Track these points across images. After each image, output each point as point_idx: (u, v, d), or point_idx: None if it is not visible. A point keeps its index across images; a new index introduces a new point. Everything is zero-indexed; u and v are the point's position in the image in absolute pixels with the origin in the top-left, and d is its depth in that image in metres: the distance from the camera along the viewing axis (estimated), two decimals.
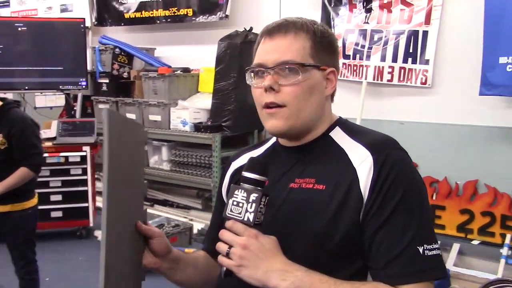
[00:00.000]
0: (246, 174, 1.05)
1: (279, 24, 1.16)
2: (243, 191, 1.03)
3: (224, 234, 1.04)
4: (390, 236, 1.04)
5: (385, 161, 1.07)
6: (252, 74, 1.17)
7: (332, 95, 1.22)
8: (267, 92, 1.12)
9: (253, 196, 1.02)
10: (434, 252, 1.05)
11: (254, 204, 1.02)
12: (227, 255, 1.03)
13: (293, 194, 1.14)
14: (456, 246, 3.53)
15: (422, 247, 1.03)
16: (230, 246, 1.02)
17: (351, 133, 1.18)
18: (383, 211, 1.05)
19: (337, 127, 1.20)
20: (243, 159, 1.31)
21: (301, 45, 1.13)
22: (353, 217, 1.06)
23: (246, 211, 1.02)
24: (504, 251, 3.34)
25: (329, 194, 1.09)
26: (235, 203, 1.03)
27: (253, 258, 1.02)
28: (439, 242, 1.08)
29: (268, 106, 1.13)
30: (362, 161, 1.09)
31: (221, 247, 1.04)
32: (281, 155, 1.22)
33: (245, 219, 1.02)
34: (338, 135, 1.18)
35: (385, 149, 1.10)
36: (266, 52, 1.14)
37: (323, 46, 1.16)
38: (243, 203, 1.02)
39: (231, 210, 1.03)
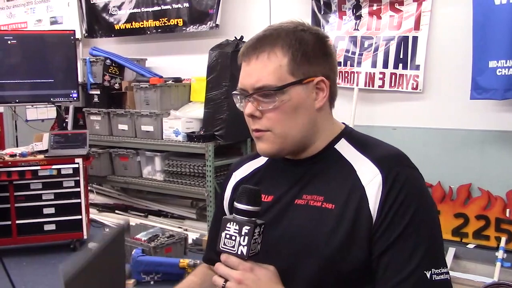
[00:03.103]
0: (238, 205, 1.01)
1: (253, 43, 1.10)
2: (235, 223, 1.00)
3: (219, 268, 1.02)
4: (396, 259, 1.00)
5: (394, 181, 1.03)
6: (239, 97, 1.14)
7: (332, 102, 1.16)
8: (251, 118, 1.10)
9: (245, 229, 0.99)
10: (442, 276, 1.01)
11: (247, 237, 0.98)
12: None
13: (300, 211, 1.10)
14: (451, 250, 3.53)
15: (430, 272, 0.99)
16: (226, 280, 1.00)
17: (358, 145, 1.12)
18: (391, 233, 1.01)
19: (342, 139, 1.14)
20: (244, 170, 1.28)
21: (276, 65, 1.06)
22: (363, 240, 1.03)
23: (239, 244, 0.99)
24: (500, 254, 3.34)
25: (338, 215, 1.05)
26: (227, 236, 1.00)
27: None
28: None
29: (254, 130, 1.11)
30: (370, 180, 1.04)
31: (217, 281, 1.02)
32: (285, 168, 1.17)
33: (239, 252, 0.99)
34: (345, 148, 1.13)
35: (394, 167, 1.05)
36: (244, 77, 1.11)
37: (305, 56, 1.08)
38: (236, 236, 0.99)
39: (224, 244, 1.00)
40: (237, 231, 0.99)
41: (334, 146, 1.14)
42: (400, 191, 1.02)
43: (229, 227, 1.00)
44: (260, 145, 1.11)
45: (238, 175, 1.28)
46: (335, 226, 1.04)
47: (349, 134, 1.16)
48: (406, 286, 0.99)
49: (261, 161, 1.26)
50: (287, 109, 1.07)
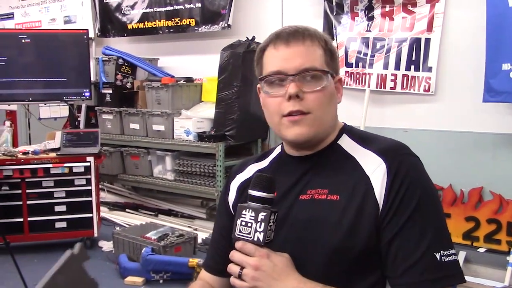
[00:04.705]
0: (253, 192, 1.02)
1: (293, 31, 1.13)
2: (250, 210, 1.00)
3: (234, 255, 1.02)
4: (406, 243, 1.03)
5: (398, 168, 1.06)
6: (265, 83, 1.13)
7: None
8: (290, 100, 1.09)
9: (262, 215, 0.99)
10: (451, 258, 1.04)
11: (263, 223, 0.99)
12: (240, 276, 1.00)
13: (305, 206, 1.11)
14: (462, 254, 3.51)
15: (439, 253, 1.02)
16: (242, 268, 1.00)
17: (359, 140, 1.16)
18: (399, 219, 1.03)
19: (344, 134, 1.18)
20: (249, 171, 1.28)
21: (318, 53, 1.12)
22: (370, 226, 1.04)
23: (256, 230, 0.99)
24: (511, 258, 3.31)
25: (344, 205, 1.07)
26: (243, 223, 1.01)
27: (266, 279, 1.00)
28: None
29: (290, 114, 1.10)
30: (375, 169, 1.07)
31: (233, 268, 1.02)
32: (289, 165, 1.19)
33: (255, 239, 1.00)
34: (347, 143, 1.16)
35: (398, 155, 1.08)
36: (285, 60, 1.11)
37: (331, 54, 1.15)
38: (251, 223, 1.00)
39: (240, 231, 1.01)
40: (253, 218, 1.00)
41: (337, 142, 1.17)
42: (405, 177, 1.05)
43: (245, 214, 1.01)
44: (296, 129, 1.11)
45: (242, 176, 1.29)
46: (341, 215, 1.06)
47: (349, 130, 1.20)
48: (417, 269, 1.01)
49: (264, 163, 1.28)
50: (327, 94, 1.12)
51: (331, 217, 1.07)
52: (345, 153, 1.14)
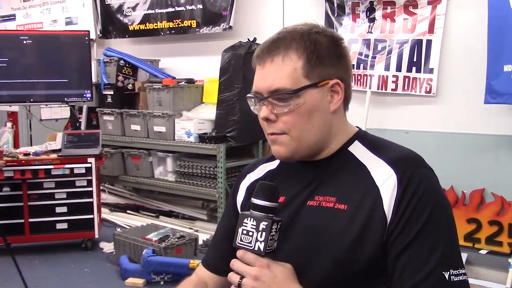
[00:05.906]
0: (255, 201, 1.00)
1: (267, 46, 1.09)
2: (252, 219, 0.99)
3: (235, 264, 1.00)
4: (414, 259, 0.99)
5: (409, 181, 1.02)
6: (253, 100, 1.13)
7: (346, 104, 1.15)
8: (266, 122, 1.10)
9: (263, 225, 0.98)
10: (461, 278, 0.99)
11: (264, 233, 0.97)
12: (239, 286, 0.99)
13: (312, 212, 1.09)
14: (463, 256, 3.50)
15: (448, 272, 0.98)
16: (242, 277, 0.99)
17: (372, 147, 1.12)
18: (408, 233, 1.00)
19: (356, 141, 1.14)
20: (259, 171, 1.27)
21: (291, 68, 1.06)
22: (376, 240, 1.01)
23: (257, 240, 0.98)
24: None
25: (350, 215, 1.04)
26: (244, 232, 0.99)
27: None
28: None
29: (269, 133, 1.11)
30: (385, 180, 1.04)
31: (232, 277, 1.00)
32: (298, 170, 1.17)
33: (256, 248, 0.98)
34: (359, 150, 1.12)
35: (409, 167, 1.04)
36: (258, 80, 1.10)
37: (320, 58, 1.07)
38: (253, 232, 0.98)
39: (241, 240, 0.99)
40: (254, 227, 0.98)
41: (348, 148, 1.13)
42: (416, 191, 1.01)
43: (246, 223, 0.99)
44: (275, 148, 1.11)
45: (252, 176, 1.27)
46: (347, 226, 1.03)
47: (362, 136, 1.16)
48: (425, 287, 0.97)
49: (274, 163, 1.26)
50: (302, 112, 1.07)
51: (336, 227, 1.04)
52: (356, 161, 1.10)
